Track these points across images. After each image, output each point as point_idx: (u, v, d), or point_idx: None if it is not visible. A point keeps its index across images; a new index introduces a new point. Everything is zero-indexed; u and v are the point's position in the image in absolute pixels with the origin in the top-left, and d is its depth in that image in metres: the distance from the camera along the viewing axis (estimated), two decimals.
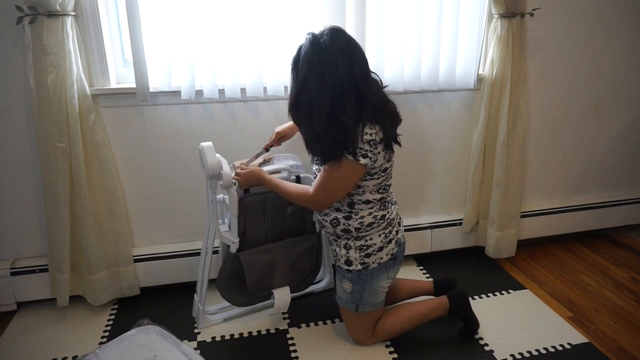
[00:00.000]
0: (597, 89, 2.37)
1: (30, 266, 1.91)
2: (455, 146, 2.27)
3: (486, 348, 1.76)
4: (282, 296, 1.80)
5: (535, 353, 1.73)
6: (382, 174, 1.55)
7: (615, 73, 2.36)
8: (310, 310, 1.97)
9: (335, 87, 1.41)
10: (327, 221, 1.64)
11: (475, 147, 2.20)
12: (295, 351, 1.74)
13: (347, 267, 1.65)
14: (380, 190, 1.58)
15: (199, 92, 1.87)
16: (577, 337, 1.81)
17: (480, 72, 2.13)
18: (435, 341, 1.79)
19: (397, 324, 1.75)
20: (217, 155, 1.65)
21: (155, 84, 1.82)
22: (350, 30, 1.90)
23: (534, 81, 2.24)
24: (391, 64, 1.99)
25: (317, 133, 1.46)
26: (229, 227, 1.74)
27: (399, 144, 1.56)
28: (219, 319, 1.89)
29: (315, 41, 1.42)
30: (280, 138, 1.83)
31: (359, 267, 1.63)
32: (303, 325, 1.89)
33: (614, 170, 2.56)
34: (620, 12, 2.25)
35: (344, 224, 1.60)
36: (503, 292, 2.10)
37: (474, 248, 2.40)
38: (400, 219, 1.72)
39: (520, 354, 1.73)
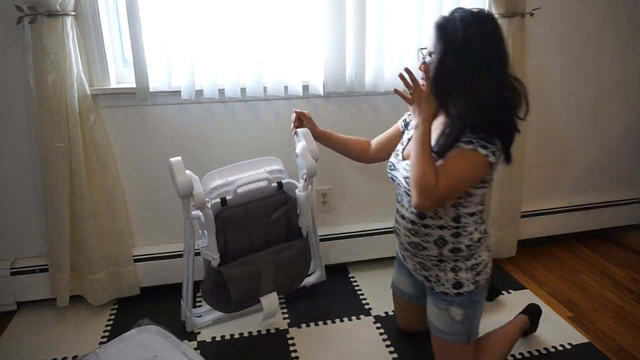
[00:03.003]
0: (597, 89, 2.37)
1: (30, 266, 1.91)
2: None
3: None
4: (270, 303, 1.75)
5: (536, 353, 1.73)
6: (489, 185, 1.41)
7: (615, 73, 2.36)
8: (310, 310, 1.97)
9: (504, 64, 1.28)
10: (429, 242, 1.42)
11: None
12: (295, 351, 1.74)
13: (456, 291, 1.43)
14: (482, 202, 1.44)
15: (199, 92, 1.87)
16: (577, 337, 1.81)
17: None
18: None
19: (500, 353, 1.59)
20: (188, 172, 1.56)
21: (155, 84, 1.82)
22: (350, 30, 1.90)
23: (534, 81, 2.23)
24: (391, 63, 1.99)
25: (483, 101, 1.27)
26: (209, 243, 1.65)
27: (511, 160, 1.36)
28: (208, 320, 1.88)
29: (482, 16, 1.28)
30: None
31: (471, 287, 1.43)
32: (303, 325, 1.89)
33: (614, 170, 2.56)
34: (621, 12, 2.25)
35: (452, 242, 1.40)
36: (503, 292, 2.10)
37: None
38: None
39: (521, 354, 1.72)
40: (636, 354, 1.73)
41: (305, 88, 1.97)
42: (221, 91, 1.88)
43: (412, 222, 1.45)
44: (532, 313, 1.79)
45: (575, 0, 2.17)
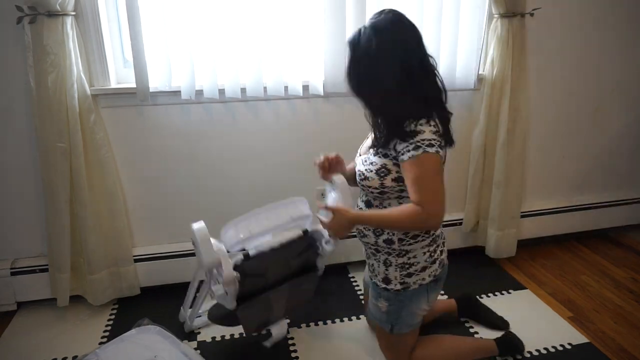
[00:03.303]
0: (597, 89, 2.37)
1: (30, 266, 1.92)
2: (456, 146, 2.25)
3: None
4: (279, 332, 1.67)
5: (536, 353, 1.73)
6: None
7: (615, 73, 2.36)
8: (310, 310, 1.97)
9: (412, 64, 1.30)
10: (369, 229, 1.48)
11: (476, 147, 2.20)
12: (295, 351, 1.74)
13: (384, 285, 1.50)
14: None
15: (199, 92, 1.87)
16: (577, 337, 1.81)
17: (480, 72, 2.13)
18: None
19: (437, 357, 1.63)
20: (214, 242, 1.43)
21: (155, 84, 1.82)
22: (350, 30, 1.90)
23: (534, 81, 2.24)
24: None
25: (385, 107, 1.34)
26: (225, 292, 1.47)
27: (453, 142, 1.41)
28: (206, 320, 1.87)
29: (384, 21, 1.32)
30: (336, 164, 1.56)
31: (398, 286, 1.48)
32: (303, 325, 1.89)
33: (614, 170, 2.56)
34: (620, 12, 2.25)
35: (387, 234, 1.44)
36: (503, 292, 2.10)
37: (474, 248, 2.40)
38: (444, 238, 1.56)
39: None
40: (636, 354, 1.73)
41: (305, 88, 1.97)
42: (221, 91, 1.87)
43: (360, 210, 1.52)
44: (507, 343, 1.71)
45: (575, 0, 2.17)
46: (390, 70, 1.29)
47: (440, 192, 1.30)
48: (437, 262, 1.50)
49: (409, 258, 1.46)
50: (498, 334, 1.77)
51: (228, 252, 1.47)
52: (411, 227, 1.38)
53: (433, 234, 1.48)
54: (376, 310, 1.57)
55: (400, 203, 1.42)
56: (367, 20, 1.87)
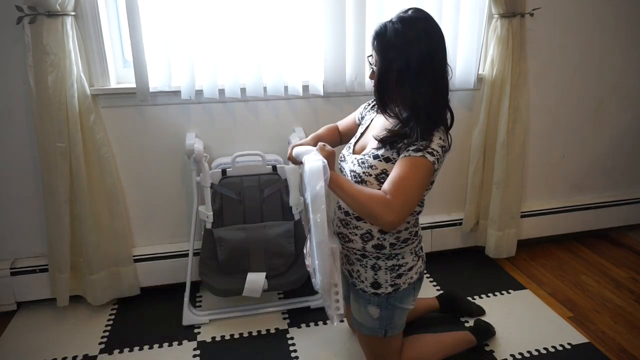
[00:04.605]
0: (597, 89, 2.37)
1: (30, 266, 1.91)
2: (456, 146, 2.23)
3: (486, 348, 1.76)
4: (254, 279, 1.81)
5: (535, 353, 1.73)
6: (431, 186, 1.38)
7: (615, 73, 2.36)
8: (310, 310, 1.97)
9: (442, 63, 1.30)
10: (356, 235, 1.42)
11: (475, 147, 2.20)
12: (295, 351, 1.74)
13: (373, 291, 1.44)
14: (421, 204, 1.42)
15: (199, 92, 1.87)
16: (577, 337, 1.81)
17: (480, 72, 2.13)
18: None
19: (426, 355, 1.64)
20: (197, 139, 1.88)
21: (155, 84, 1.82)
22: (350, 30, 1.90)
23: (534, 81, 2.24)
24: None
25: (420, 103, 1.29)
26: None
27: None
28: (204, 319, 1.89)
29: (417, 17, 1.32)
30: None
31: (389, 289, 1.43)
32: (303, 325, 1.89)
33: (614, 170, 2.57)
34: (620, 12, 2.25)
35: (377, 239, 1.40)
36: (503, 292, 2.10)
37: (474, 248, 2.40)
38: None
39: (521, 354, 1.73)
40: (636, 354, 1.73)
41: (305, 88, 1.97)
42: (221, 91, 1.88)
43: (346, 213, 1.43)
44: (480, 331, 1.78)
45: (575, 0, 2.17)
46: (417, 50, 1.26)
47: (412, 201, 1.25)
48: (421, 259, 1.50)
49: (397, 260, 1.43)
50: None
51: (211, 169, 1.91)
52: (367, 213, 1.25)
53: (418, 233, 1.47)
54: (366, 319, 1.49)
55: None
56: (367, 20, 1.89)
